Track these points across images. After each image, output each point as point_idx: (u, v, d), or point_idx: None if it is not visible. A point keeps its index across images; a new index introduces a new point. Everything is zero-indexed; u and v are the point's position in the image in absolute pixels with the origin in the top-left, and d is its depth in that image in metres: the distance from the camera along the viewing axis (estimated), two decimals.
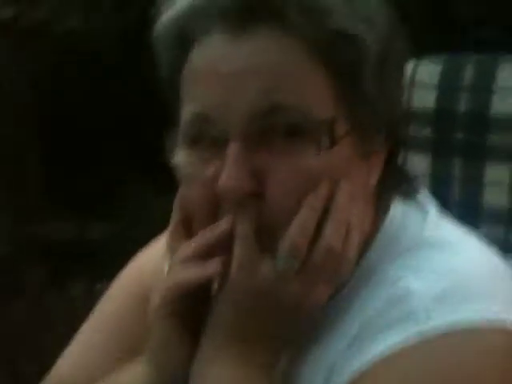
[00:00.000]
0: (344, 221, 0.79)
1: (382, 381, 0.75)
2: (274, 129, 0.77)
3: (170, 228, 0.85)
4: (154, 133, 0.95)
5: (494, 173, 1.31)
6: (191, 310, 0.82)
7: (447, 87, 1.28)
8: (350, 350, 0.79)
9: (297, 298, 0.78)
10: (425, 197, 0.88)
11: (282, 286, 0.78)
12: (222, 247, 0.79)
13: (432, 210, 0.87)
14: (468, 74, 1.29)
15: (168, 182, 0.86)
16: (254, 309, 0.78)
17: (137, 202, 2.89)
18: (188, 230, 0.83)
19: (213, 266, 0.79)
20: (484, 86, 1.27)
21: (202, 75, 0.79)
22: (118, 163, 2.96)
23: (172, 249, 0.84)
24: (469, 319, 0.75)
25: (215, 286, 0.84)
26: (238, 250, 0.78)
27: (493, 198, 1.31)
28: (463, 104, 1.27)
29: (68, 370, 1.01)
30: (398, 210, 0.86)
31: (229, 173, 0.77)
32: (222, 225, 0.78)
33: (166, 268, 0.87)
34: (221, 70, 0.77)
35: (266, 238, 0.78)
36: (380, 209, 0.85)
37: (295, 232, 0.77)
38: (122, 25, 2.99)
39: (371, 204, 0.84)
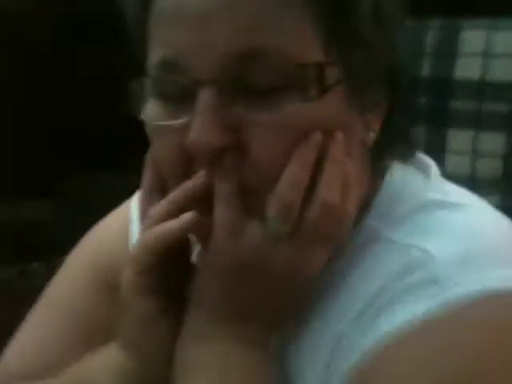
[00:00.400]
0: (340, 174, 0.69)
1: (408, 354, 0.66)
2: (253, 75, 0.67)
3: (142, 191, 0.76)
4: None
5: (456, 139, 1.30)
6: (169, 280, 0.72)
7: (410, 53, 1.27)
8: (359, 320, 0.70)
9: (291, 263, 0.68)
10: (424, 159, 0.80)
11: (273, 250, 0.68)
12: (199, 206, 0.70)
13: (434, 171, 0.78)
14: (431, 39, 1.28)
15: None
16: (243, 278, 0.69)
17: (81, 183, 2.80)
18: (162, 192, 0.73)
19: (189, 217, 0.69)
20: (447, 52, 1.26)
21: (169, 14, 0.68)
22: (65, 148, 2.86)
23: (144, 214, 0.74)
24: (498, 287, 0.66)
25: (195, 254, 0.75)
26: (219, 211, 0.68)
27: (455, 165, 1.31)
28: (426, 69, 1.26)
29: (16, 360, 0.88)
30: (397, 171, 0.77)
31: (200, 124, 0.66)
32: (197, 179, 0.69)
33: (137, 236, 0.79)
34: (189, 9, 0.67)
35: (251, 198, 0.69)
36: (377, 170, 0.76)
37: (285, 188, 0.67)
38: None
39: (367, 164, 0.75)
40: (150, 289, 0.72)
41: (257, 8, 0.66)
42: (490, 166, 1.29)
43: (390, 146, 0.76)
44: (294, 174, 0.68)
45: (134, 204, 0.90)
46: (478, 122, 1.29)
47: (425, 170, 0.78)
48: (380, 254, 0.72)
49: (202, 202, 0.69)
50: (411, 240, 0.71)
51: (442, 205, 0.74)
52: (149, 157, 0.75)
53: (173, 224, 0.70)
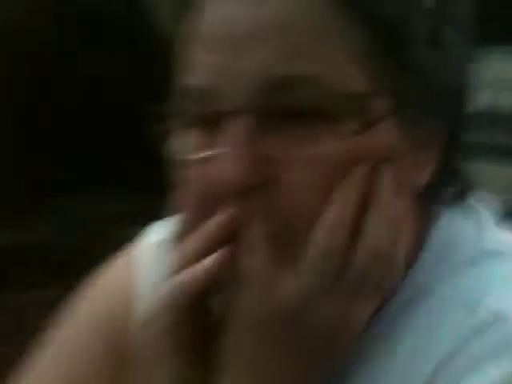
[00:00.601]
0: (389, 215, 0.60)
1: None
2: (289, 106, 0.60)
3: (176, 231, 0.66)
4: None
5: None
6: (193, 337, 0.63)
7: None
8: None
9: (332, 321, 0.59)
10: (475, 202, 0.70)
11: (313, 307, 0.59)
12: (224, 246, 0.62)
13: (487, 216, 0.69)
14: None
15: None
16: (278, 338, 0.60)
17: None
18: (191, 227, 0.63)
19: (214, 258, 0.60)
20: None
21: (204, 37, 0.63)
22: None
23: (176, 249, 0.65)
24: None
25: (216, 303, 0.65)
26: (248, 260, 0.59)
27: None
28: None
29: None
30: (447, 217, 0.67)
31: (229, 156, 0.59)
32: (221, 218, 0.60)
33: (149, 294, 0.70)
34: (225, 33, 0.61)
35: (283, 244, 0.60)
36: (427, 215, 0.67)
37: (325, 234, 0.59)
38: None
39: (415, 209, 0.65)
40: (175, 349, 0.63)
41: (294, 34, 0.60)
42: None
43: (443, 188, 0.66)
44: (334, 216, 0.59)
45: (145, 252, 0.78)
46: None
47: (476, 216, 0.69)
48: (434, 311, 0.64)
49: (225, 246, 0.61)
50: (470, 296, 0.63)
51: (498, 256, 0.66)
52: (179, 196, 0.65)
53: (196, 271, 0.61)
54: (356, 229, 0.59)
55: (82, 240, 0.98)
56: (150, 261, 0.76)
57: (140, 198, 0.96)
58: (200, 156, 0.61)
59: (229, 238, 0.60)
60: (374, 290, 0.60)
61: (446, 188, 0.66)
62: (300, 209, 0.59)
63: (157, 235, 0.77)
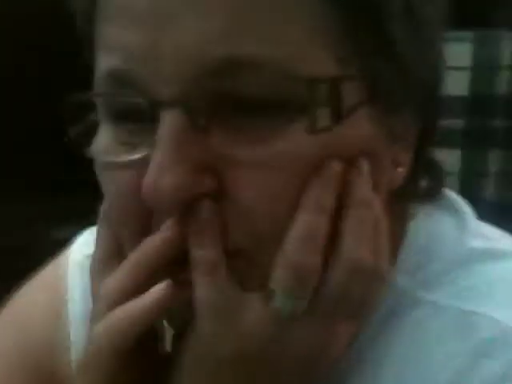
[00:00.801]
0: (369, 219, 0.49)
1: None
2: (236, 95, 0.47)
3: (94, 256, 0.54)
4: None
5: None
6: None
7: None
8: None
9: (309, 350, 0.49)
10: (454, 197, 0.61)
11: (284, 336, 0.48)
12: (171, 272, 0.50)
13: (468, 213, 0.60)
14: None
15: None
16: (242, 379, 0.49)
17: None
18: (121, 257, 0.52)
19: (160, 291, 0.48)
20: None
21: (118, 9, 0.48)
22: None
23: (97, 289, 0.53)
24: None
25: (167, 339, 0.54)
26: (201, 290, 0.48)
27: None
28: None
29: None
30: (424, 215, 0.58)
31: (160, 162, 0.46)
32: (164, 233, 0.49)
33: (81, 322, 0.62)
34: (145, 2, 0.47)
35: (242, 263, 0.49)
36: (401, 215, 0.57)
37: (296, 247, 0.48)
38: None
39: (391, 208, 0.54)
40: None
41: (238, 4, 0.46)
42: None
43: (417, 183, 0.57)
44: (306, 226, 0.48)
45: (70, 271, 0.67)
46: None
47: (456, 212, 0.59)
48: (423, 325, 0.53)
49: (174, 265, 0.50)
50: (466, 305, 0.52)
51: (488, 255, 0.56)
52: (103, 207, 0.54)
53: (139, 305, 0.49)
54: (331, 239, 0.48)
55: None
56: (80, 277, 0.66)
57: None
58: (122, 160, 0.49)
59: (170, 262, 0.49)
60: (357, 310, 0.50)
61: (420, 183, 0.57)
62: (260, 221, 0.48)
63: (88, 244, 0.65)
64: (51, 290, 0.67)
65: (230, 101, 0.47)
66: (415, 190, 0.57)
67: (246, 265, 0.49)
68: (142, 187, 0.46)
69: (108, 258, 0.53)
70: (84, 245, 0.67)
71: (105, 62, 0.49)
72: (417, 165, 0.54)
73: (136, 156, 0.48)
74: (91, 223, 0.63)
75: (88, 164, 0.53)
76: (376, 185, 0.50)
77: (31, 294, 0.68)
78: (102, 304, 0.50)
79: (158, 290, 0.48)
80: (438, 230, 0.57)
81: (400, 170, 0.53)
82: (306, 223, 0.48)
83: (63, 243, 0.69)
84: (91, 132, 0.52)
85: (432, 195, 0.58)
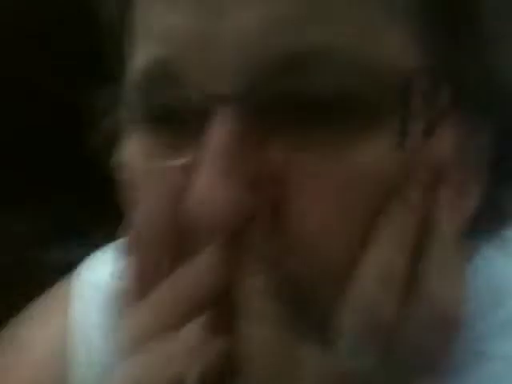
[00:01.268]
0: (455, 259, 0.41)
1: None
2: (307, 96, 0.39)
3: (121, 280, 0.45)
4: None
5: None
6: None
7: None
8: None
9: None
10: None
11: None
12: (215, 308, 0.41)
13: None
14: None
15: None
16: None
17: None
18: (149, 280, 0.42)
19: (191, 336, 0.39)
20: None
21: None
22: None
23: (124, 316, 0.43)
24: None
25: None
26: (251, 335, 0.39)
27: None
28: None
29: None
30: (487, 255, 0.50)
31: (213, 175, 0.38)
32: (210, 269, 0.40)
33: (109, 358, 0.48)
34: None
35: (301, 302, 0.40)
36: (467, 253, 0.47)
37: (372, 288, 0.39)
38: None
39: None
40: None
41: None
42: None
43: (484, 217, 0.48)
44: (385, 262, 0.39)
45: (80, 298, 0.58)
46: None
47: None
48: (496, 380, 0.46)
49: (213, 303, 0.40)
50: None
51: None
52: (132, 220, 0.44)
53: (169, 352, 0.39)
54: (409, 282, 0.40)
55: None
56: (91, 310, 0.56)
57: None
58: (162, 165, 0.41)
59: (209, 299, 0.40)
60: (431, 364, 0.41)
61: (487, 217, 0.48)
62: (326, 250, 0.39)
63: (100, 271, 0.57)
64: (60, 324, 0.58)
65: (298, 102, 0.39)
66: (481, 224, 0.48)
67: (304, 302, 0.40)
68: (186, 199, 0.38)
69: (137, 288, 0.43)
70: (96, 269, 0.59)
71: (146, 53, 0.41)
72: (488, 195, 0.46)
73: (180, 161, 0.40)
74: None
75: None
76: (452, 216, 0.42)
77: (38, 327, 0.59)
78: (123, 346, 0.41)
79: (189, 334, 0.39)
80: (505, 275, 0.50)
81: (472, 198, 0.44)
82: (386, 260, 0.39)
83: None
84: (115, 136, 0.44)
85: (496, 232, 0.50)
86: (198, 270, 0.40)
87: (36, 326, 0.58)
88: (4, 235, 0.84)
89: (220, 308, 0.39)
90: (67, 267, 0.60)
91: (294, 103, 0.39)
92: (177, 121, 0.41)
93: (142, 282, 0.42)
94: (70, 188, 0.84)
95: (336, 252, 0.40)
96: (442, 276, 0.40)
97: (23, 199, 0.83)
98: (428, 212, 0.40)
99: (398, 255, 0.39)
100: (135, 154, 0.43)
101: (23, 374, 0.56)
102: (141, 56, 0.42)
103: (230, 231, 0.39)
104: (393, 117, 0.39)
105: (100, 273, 0.57)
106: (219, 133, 0.39)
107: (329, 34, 0.38)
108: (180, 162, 0.40)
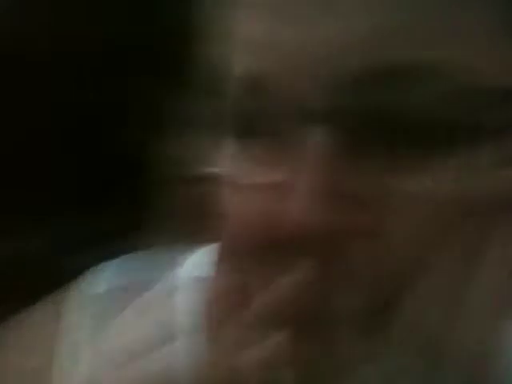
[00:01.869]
0: (497, 292, 0.39)
1: None
2: (400, 112, 0.37)
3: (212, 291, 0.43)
4: None
5: None
6: None
7: None
8: None
9: None
10: None
11: None
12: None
13: None
14: None
15: None
16: None
17: None
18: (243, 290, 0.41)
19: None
20: None
21: None
22: None
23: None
24: None
25: None
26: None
27: None
28: None
29: None
30: None
31: (309, 193, 0.37)
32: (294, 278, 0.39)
33: None
34: None
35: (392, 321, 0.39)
36: None
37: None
38: None
39: None
40: None
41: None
42: None
43: None
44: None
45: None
46: None
47: None
48: None
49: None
50: None
51: None
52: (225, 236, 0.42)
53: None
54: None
55: None
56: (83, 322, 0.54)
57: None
58: (255, 182, 0.39)
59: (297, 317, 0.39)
60: None
61: None
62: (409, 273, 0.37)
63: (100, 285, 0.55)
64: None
65: (390, 118, 0.37)
66: None
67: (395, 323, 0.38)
68: (280, 218, 0.37)
69: (227, 299, 0.41)
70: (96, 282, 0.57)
71: (239, 63, 0.40)
72: None
73: (274, 178, 0.38)
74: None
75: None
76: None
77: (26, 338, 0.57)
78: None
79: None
80: None
81: None
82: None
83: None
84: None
85: None
86: (295, 285, 0.38)
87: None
88: None
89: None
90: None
91: (382, 121, 0.37)
92: (265, 135, 0.39)
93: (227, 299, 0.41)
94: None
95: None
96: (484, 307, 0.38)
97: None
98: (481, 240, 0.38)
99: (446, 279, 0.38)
100: (223, 167, 0.41)
101: None
102: (234, 65, 0.40)
103: (325, 254, 0.37)
104: (466, 141, 0.37)
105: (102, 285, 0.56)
106: (314, 151, 0.37)
107: (433, 49, 0.36)
108: (273, 178, 0.38)
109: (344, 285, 0.38)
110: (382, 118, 0.37)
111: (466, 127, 0.36)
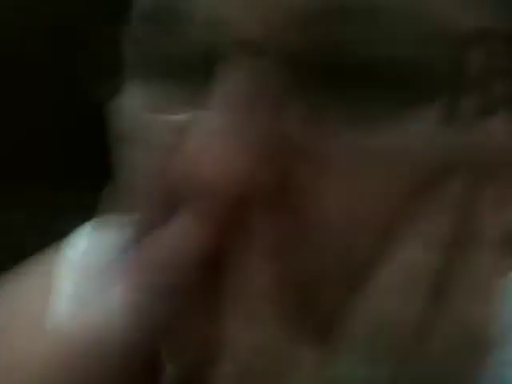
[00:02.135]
0: (492, 271, 0.34)
1: None
2: (345, 56, 0.32)
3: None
4: None
5: None
6: None
7: None
8: None
9: None
10: None
11: None
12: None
13: None
14: None
15: None
16: None
17: None
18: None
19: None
20: None
21: None
22: None
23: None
24: None
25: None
26: (235, 328, 0.32)
27: None
28: None
29: None
30: None
31: (215, 136, 0.31)
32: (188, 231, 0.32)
33: None
34: None
35: (297, 298, 0.33)
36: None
37: (393, 291, 0.32)
38: None
39: None
40: None
41: None
42: None
43: None
44: (411, 261, 0.32)
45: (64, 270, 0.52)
46: None
47: None
48: None
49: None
50: None
51: None
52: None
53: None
54: (436, 290, 0.32)
55: None
56: (73, 283, 0.50)
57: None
58: (171, 121, 0.34)
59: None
60: None
61: None
62: (341, 242, 0.32)
63: (86, 243, 0.52)
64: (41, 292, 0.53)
65: (336, 62, 0.32)
66: None
67: (302, 302, 0.33)
68: (177, 161, 0.31)
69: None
70: (83, 240, 0.54)
71: None
72: None
73: (181, 116, 0.33)
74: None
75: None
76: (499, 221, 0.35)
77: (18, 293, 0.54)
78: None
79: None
80: None
81: None
82: (412, 260, 0.32)
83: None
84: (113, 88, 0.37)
85: None
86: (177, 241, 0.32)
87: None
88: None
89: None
90: None
91: (331, 62, 0.32)
92: (186, 69, 0.34)
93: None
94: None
95: (356, 242, 0.33)
96: (475, 288, 0.33)
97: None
98: (469, 211, 0.33)
99: (426, 256, 0.33)
100: (136, 107, 0.36)
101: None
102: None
103: (231, 202, 0.31)
104: (444, 91, 0.32)
105: (79, 249, 0.53)
106: (235, 81, 0.31)
107: None
108: (184, 116, 0.33)
109: (244, 254, 0.32)
110: (324, 57, 0.32)
111: (443, 75, 0.32)
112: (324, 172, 0.32)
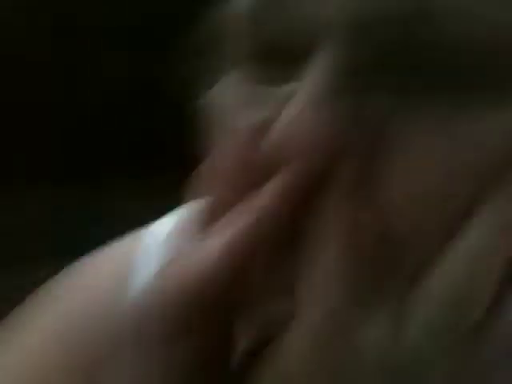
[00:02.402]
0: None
1: None
2: (423, 55, 0.33)
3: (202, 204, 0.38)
4: None
5: None
6: None
7: None
8: None
9: None
10: None
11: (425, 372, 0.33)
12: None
13: None
14: None
15: None
16: None
17: None
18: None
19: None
20: None
21: None
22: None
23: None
24: None
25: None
26: (312, 285, 0.33)
27: None
28: None
29: None
30: None
31: (305, 109, 0.33)
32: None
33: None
34: None
35: (383, 263, 0.34)
36: None
37: (463, 276, 0.32)
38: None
39: None
40: None
41: None
42: None
43: None
44: (482, 249, 0.33)
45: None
46: None
47: None
48: None
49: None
50: None
51: None
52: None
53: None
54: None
55: None
56: (154, 259, 0.52)
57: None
58: (272, 94, 0.35)
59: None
60: None
61: None
62: (418, 218, 0.33)
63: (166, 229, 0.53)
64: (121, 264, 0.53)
65: (411, 60, 0.33)
66: None
67: (381, 264, 0.33)
68: (271, 131, 0.33)
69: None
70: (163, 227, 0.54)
71: None
72: None
73: (279, 93, 0.34)
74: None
75: None
76: None
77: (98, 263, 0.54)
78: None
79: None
80: None
81: None
82: (483, 249, 0.33)
83: None
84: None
85: None
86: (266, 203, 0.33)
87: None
88: None
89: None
90: None
91: (400, 62, 0.33)
92: (273, 60, 0.35)
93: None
94: None
95: (432, 221, 0.33)
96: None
97: None
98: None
99: (492, 248, 0.33)
100: (232, 97, 0.37)
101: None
102: None
103: (314, 169, 0.33)
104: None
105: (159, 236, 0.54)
106: (320, 70, 0.33)
107: None
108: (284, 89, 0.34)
109: (328, 214, 0.33)
110: (404, 57, 0.33)
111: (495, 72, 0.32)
112: (408, 153, 0.33)
